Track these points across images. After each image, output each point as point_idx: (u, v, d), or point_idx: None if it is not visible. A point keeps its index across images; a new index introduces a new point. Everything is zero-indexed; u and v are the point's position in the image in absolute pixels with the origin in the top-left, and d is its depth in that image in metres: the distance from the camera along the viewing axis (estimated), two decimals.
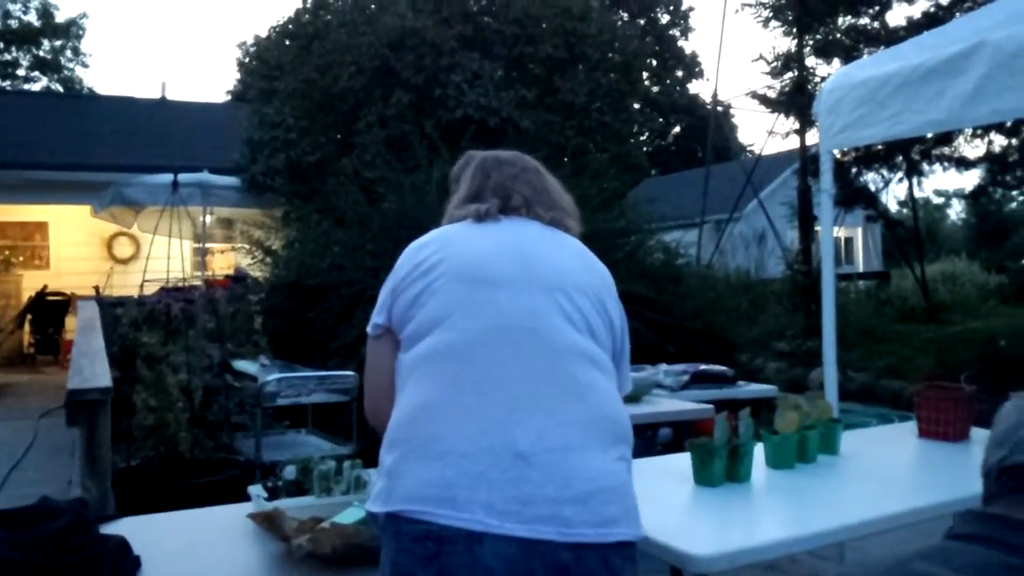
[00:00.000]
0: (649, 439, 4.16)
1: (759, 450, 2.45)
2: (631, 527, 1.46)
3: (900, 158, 11.27)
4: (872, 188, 12.62)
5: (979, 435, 2.88)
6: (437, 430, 1.44)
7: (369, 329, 1.69)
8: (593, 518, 1.39)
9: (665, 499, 2.20)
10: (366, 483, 2.01)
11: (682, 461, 2.37)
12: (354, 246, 6.13)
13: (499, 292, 1.54)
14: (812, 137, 11.33)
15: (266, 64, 10.32)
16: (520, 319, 1.52)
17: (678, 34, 29.82)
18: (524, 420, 1.43)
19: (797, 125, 11.98)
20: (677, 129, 30.63)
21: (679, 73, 29.93)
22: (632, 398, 3.69)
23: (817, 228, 11.47)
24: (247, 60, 10.74)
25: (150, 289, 7.72)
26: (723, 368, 4.32)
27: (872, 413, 6.44)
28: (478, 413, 1.44)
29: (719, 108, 19.13)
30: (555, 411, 1.45)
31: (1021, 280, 16.39)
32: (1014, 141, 10.51)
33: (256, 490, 2.11)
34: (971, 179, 32.35)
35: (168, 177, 8.61)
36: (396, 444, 1.49)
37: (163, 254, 8.73)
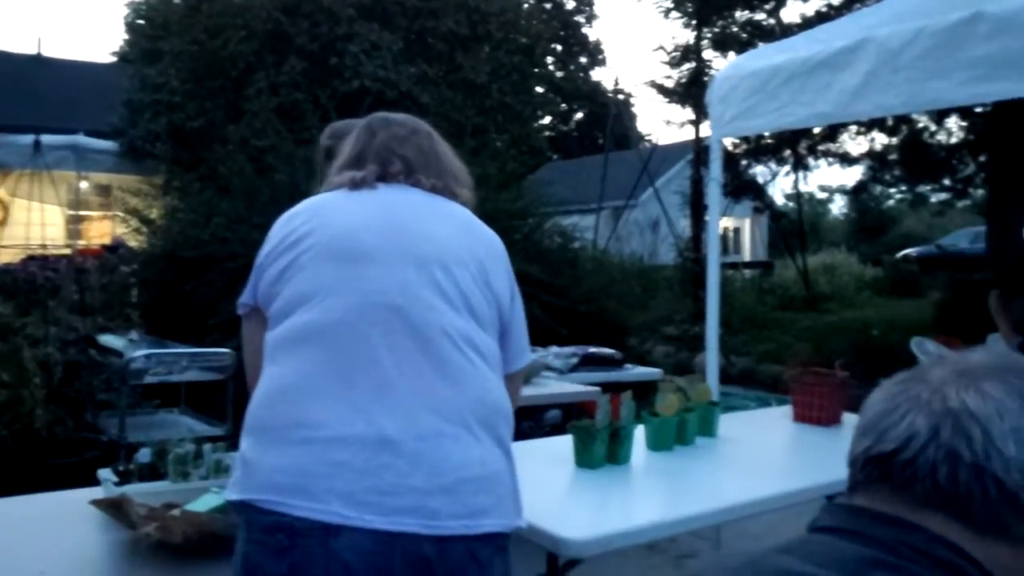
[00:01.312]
0: (537, 421, 4.15)
1: (640, 432, 2.46)
2: (503, 517, 1.39)
3: (788, 152, 11.70)
4: (760, 180, 13.09)
5: (851, 420, 2.98)
6: (297, 415, 1.33)
7: (238, 309, 1.57)
8: (461, 509, 1.32)
9: (545, 482, 2.17)
10: (227, 467, 1.88)
11: (566, 443, 2.34)
12: (239, 218, 5.86)
13: (368, 267, 1.43)
14: (707, 129, 11.60)
15: (151, 23, 9.75)
16: (390, 296, 1.41)
17: (583, 20, 30.06)
18: (393, 405, 1.33)
19: (693, 116, 12.28)
20: (580, 115, 30.95)
21: (582, 59, 30.21)
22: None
23: (707, 217, 11.77)
24: (134, 19, 10.11)
25: (13, 257, 7.18)
26: (612, 351, 4.35)
27: (751, 396, 6.68)
28: (342, 398, 1.34)
29: (620, 96, 19.41)
30: (427, 395, 1.36)
31: (895, 273, 17.41)
32: (894, 140, 11.07)
33: (106, 474, 1.95)
34: (853, 175, 34.00)
35: (31, 138, 8.01)
36: (253, 429, 1.38)
37: (36, 220, 8.14)
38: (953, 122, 10.70)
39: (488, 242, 1.59)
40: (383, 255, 1.44)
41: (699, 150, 11.69)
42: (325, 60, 8.09)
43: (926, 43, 2.72)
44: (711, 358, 3.49)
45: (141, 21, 10.15)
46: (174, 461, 1.87)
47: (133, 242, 7.44)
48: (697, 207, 11.88)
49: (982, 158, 10.52)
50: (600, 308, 6.66)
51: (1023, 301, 3.38)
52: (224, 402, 3.84)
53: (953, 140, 11.06)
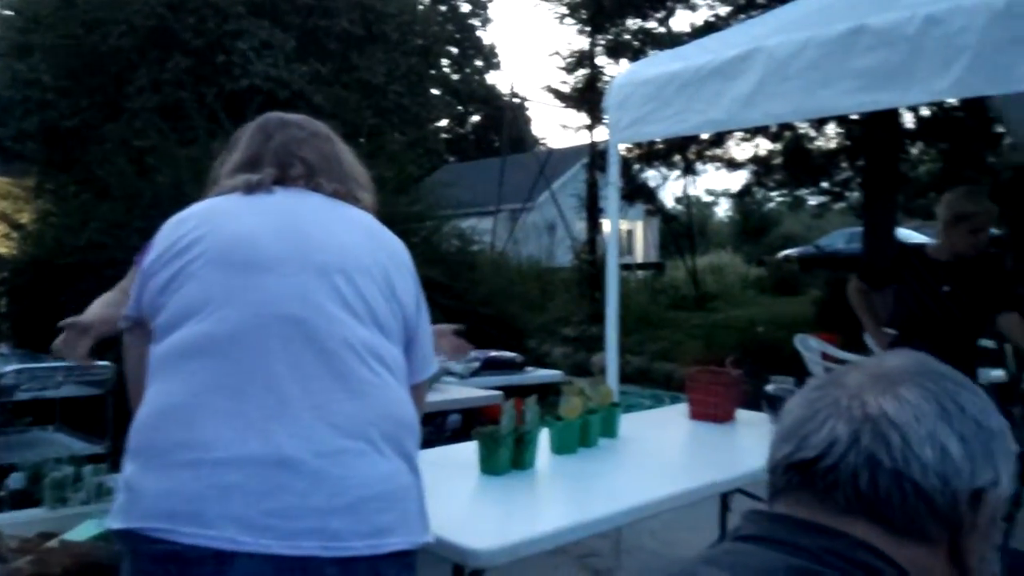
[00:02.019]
0: (438, 426, 4.10)
1: (544, 436, 2.45)
2: (409, 535, 1.34)
3: (678, 157, 12.05)
4: (653, 184, 13.43)
5: (743, 416, 3.08)
6: (185, 436, 1.24)
7: (119, 322, 1.46)
8: (364, 528, 1.26)
9: (450, 491, 2.13)
10: (110, 491, 1.75)
11: (469, 449, 2.31)
12: (118, 222, 5.53)
13: (265, 276, 1.35)
14: (602, 133, 11.83)
15: (20, 15, 9.14)
16: (289, 307, 1.33)
17: (478, 24, 30.13)
18: (291, 423, 1.26)
19: (588, 120, 12.48)
20: (476, 118, 31.01)
21: (478, 63, 30.28)
22: None
23: (603, 220, 12.01)
24: (1, 10, 9.44)
25: None
26: (513, 354, 4.35)
27: (647, 395, 6.82)
28: (236, 416, 1.25)
29: (516, 100, 19.55)
30: (328, 410, 1.29)
31: (777, 273, 18.21)
32: (777, 146, 11.57)
33: None
34: (738, 179, 35.43)
35: None
36: (137, 452, 1.28)
37: None
38: (832, 129, 11.28)
39: (393, 249, 1.53)
40: (281, 263, 1.36)
41: (594, 154, 11.90)
42: (212, 58, 7.79)
43: (813, 53, 2.83)
44: (611, 358, 3.53)
45: (9, 12, 9.51)
46: (50, 485, 1.72)
47: (2, 249, 6.94)
48: (593, 210, 12.10)
49: (858, 163, 11.12)
50: (499, 311, 6.67)
51: (887, 294, 3.52)
52: (103, 418, 3.62)
53: (831, 146, 11.66)
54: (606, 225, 3.71)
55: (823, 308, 11.06)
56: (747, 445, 2.77)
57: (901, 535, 0.66)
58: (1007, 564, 1.48)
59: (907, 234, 12.81)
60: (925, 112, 10.43)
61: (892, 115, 9.61)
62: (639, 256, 24.42)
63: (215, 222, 1.42)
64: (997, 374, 5.20)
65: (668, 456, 2.67)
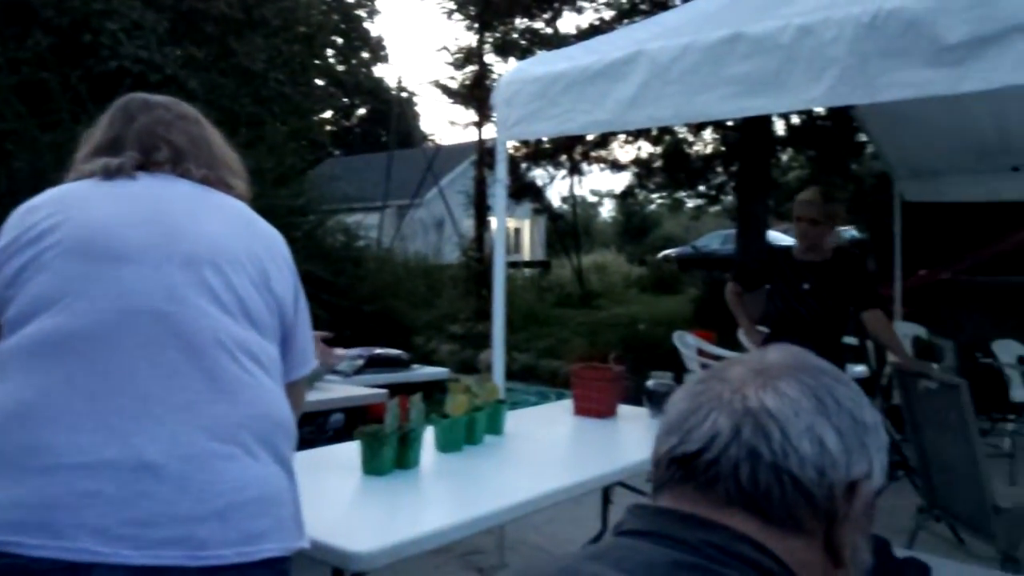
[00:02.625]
0: (319, 426, 3.98)
1: (429, 434, 2.42)
2: (284, 540, 1.27)
3: (565, 157, 12.24)
4: (540, 183, 13.59)
5: (625, 411, 3.14)
6: (36, 440, 1.14)
7: None
8: (234, 536, 1.19)
9: (330, 493, 2.07)
10: None
11: (352, 449, 2.26)
12: None
13: (126, 268, 1.25)
14: (489, 131, 11.87)
15: None
16: (153, 301, 1.24)
17: (365, 15, 29.61)
18: (154, 424, 1.18)
19: (476, 117, 12.49)
20: (362, 111, 30.49)
21: (365, 55, 29.76)
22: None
23: (491, 217, 12.05)
24: None
25: None
26: (398, 352, 4.29)
27: (532, 391, 6.90)
28: (92, 418, 1.16)
29: (404, 94, 19.35)
30: (195, 412, 1.21)
31: (658, 272, 18.80)
32: (658, 149, 11.94)
33: None
34: (621, 181, 36.31)
35: None
36: None
37: None
38: (709, 134, 11.74)
39: (268, 240, 1.45)
40: (144, 254, 1.27)
41: (483, 151, 11.93)
42: (77, 37, 7.31)
43: (693, 58, 2.90)
44: (497, 355, 3.53)
45: None
46: None
47: None
48: (481, 207, 12.13)
49: (732, 168, 11.61)
50: (385, 308, 6.58)
51: (761, 294, 3.71)
52: None
53: (708, 151, 12.13)
54: (494, 223, 3.72)
55: (700, 306, 11.51)
56: (628, 439, 2.83)
57: (780, 527, 0.67)
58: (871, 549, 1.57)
59: (777, 236, 13.48)
60: (795, 120, 11.01)
61: (765, 122, 10.08)
62: (526, 254, 24.67)
63: (71, 209, 1.31)
64: (860, 369, 5.55)
65: (552, 452, 2.69)
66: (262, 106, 8.31)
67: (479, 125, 12.40)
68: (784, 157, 14.74)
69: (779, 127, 11.11)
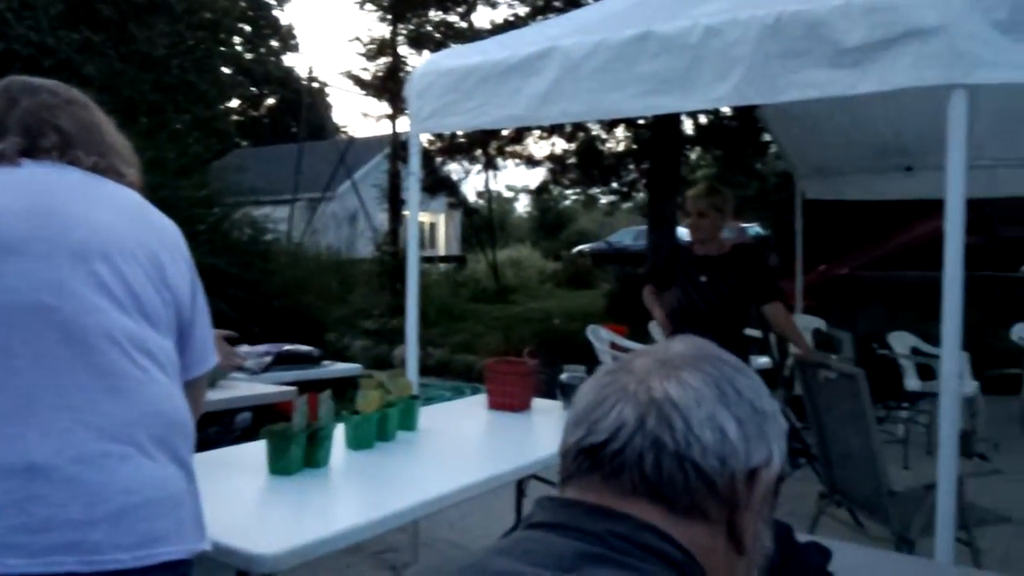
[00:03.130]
0: (226, 426, 3.86)
1: (340, 431, 2.37)
2: (183, 542, 1.22)
3: (480, 152, 12.23)
4: (455, 178, 13.54)
5: (539, 405, 3.16)
6: None
7: None
8: (130, 539, 1.14)
9: (235, 494, 2.01)
10: None
11: (259, 449, 2.19)
12: None
13: (10, 260, 1.18)
14: (404, 124, 11.75)
15: None
16: (38, 295, 1.17)
17: (274, 2, 28.86)
18: (41, 425, 1.12)
19: (390, 110, 12.33)
20: (271, 101, 29.72)
21: (274, 43, 29.01)
22: (207, 383, 3.37)
23: (405, 212, 11.92)
24: None
25: None
26: (309, 348, 4.19)
27: (448, 387, 6.87)
28: None
29: (315, 85, 18.97)
30: (86, 411, 1.15)
31: (572, 267, 19.03)
32: (572, 146, 12.06)
33: None
34: (536, 176, 36.54)
35: None
36: None
37: None
38: (621, 132, 11.93)
39: (163, 232, 1.38)
40: (28, 245, 1.20)
41: (396, 144, 11.80)
42: None
43: (605, 56, 2.93)
44: (411, 352, 3.49)
45: None
46: None
47: None
48: (395, 201, 12.01)
49: (644, 165, 11.83)
50: (296, 303, 6.43)
51: (676, 292, 3.80)
52: None
53: (620, 148, 12.33)
54: (407, 215, 3.67)
55: (613, 301, 11.71)
56: (542, 432, 2.85)
57: (683, 515, 0.68)
58: (773, 535, 1.61)
59: (686, 232, 13.82)
60: (703, 120, 11.31)
61: (674, 121, 10.31)
62: (442, 249, 24.57)
63: None
64: (763, 361, 5.73)
65: (466, 446, 2.68)
66: (164, 94, 7.99)
67: (393, 118, 12.26)
68: (693, 156, 15.12)
69: (688, 126, 11.39)
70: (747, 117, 9.51)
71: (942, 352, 2.40)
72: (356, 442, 2.39)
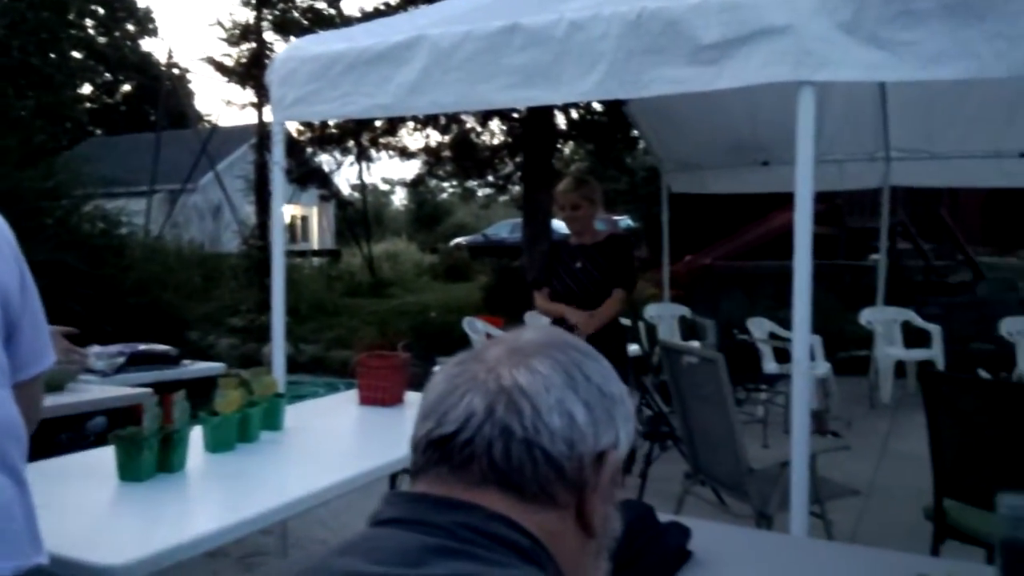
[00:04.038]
0: (77, 431, 3.61)
1: (198, 434, 2.26)
2: (14, 557, 1.13)
3: (352, 142, 11.99)
4: (327, 169, 13.23)
5: (412, 398, 3.12)
6: None
7: None
8: None
9: (82, 503, 1.89)
10: None
11: (111, 455, 2.06)
12: None
13: None
14: (270, 113, 11.37)
15: None
16: None
17: None
18: None
19: (255, 98, 11.90)
20: (127, 87, 28.08)
21: (130, 27, 27.41)
22: (54, 386, 3.15)
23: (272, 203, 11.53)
24: None
25: None
26: (166, 347, 3.97)
27: (321, 383, 6.72)
28: None
29: (175, 70, 18.06)
30: None
31: (449, 260, 19.00)
32: (446, 138, 12.01)
33: None
34: (412, 169, 36.32)
35: None
36: None
37: None
38: (496, 125, 11.98)
39: None
40: None
41: (263, 134, 11.39)
42: None
43: (473, 47, 2.92)
44: (277, 348, 3.37)
45: None
46: None
47: None
48: (262, 193, 11.59)
49: (518, 158, 11.95)
50: (154, 300, 6.11)
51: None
52: None
53: (496, 141, 12.39)
54: (272, 206, 3.54)
55: (490, 293, 11.78)
56: (413, 426, 2.81)
57: (533, 502, 0.68)
58: (634, 515, 1.65)
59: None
60: (575, 114, 11.52)
61: (547, 115, 10.46)
62: (315, 243, 23.99)
63: None
64: (634, 348, 5.91)
65: (335, 444, 2.62)
66: (3, 78, 7.38)
67: (258, 106, 11.82)
68: (567, 150, 15.40)
69: (561, 120, 11.58)
70: (616, 112, 9.75)
71: (793, 336, 2.53)
72: (215, 445, 2.28)
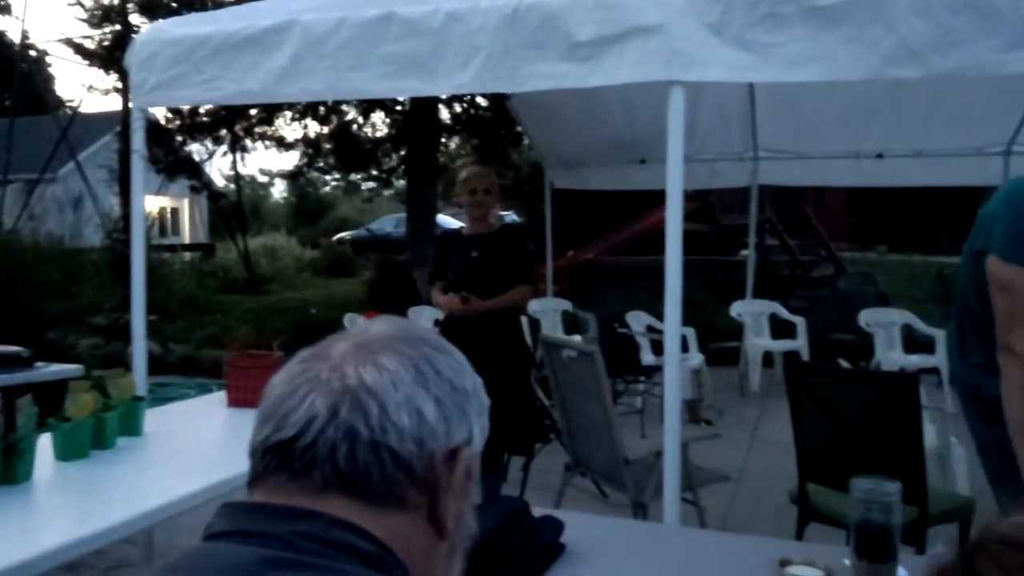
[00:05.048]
0: None
1: (48, 442, 2.11)
2: None
3: (225, 131, 11.52)
4: (197, 159, 12.67)
5: None
6: None
7: None
8: None
9: None
10: None
11: None
12: None
13: None
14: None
15: None
16: None
17: None
18: None
19: (120, 83, 11.25)
20: None
21: None
22: None
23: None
24: None
25: None
26: (17, 348, 3.68)
27: (192, 385, 6.43)
28: None
29: (31, 52, 16.86)
30: None
31: (332, 255, 18.60)
32: (326, 129, 11.72)
33: None
34: (292, 160, 35.37)
35: None
36: None
37: None
38: (378, 117, 11.80)
39: None
40: None
41: (127, 121, 10.76)
42: None
43: (347, 34, 2.84)
44: (138, 348, 3.19)
45: None
46: None
47: None
48: (127, 184, 10.94)
49: (403, 152, 11.81)
50: (7, 298, 5.68)
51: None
52: None
53: (379, 134, 12.21)
54: (132, 197, 3.31)
55: (373, 288, 11.60)
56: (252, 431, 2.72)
57: (381, 506, 0.64)
58: (508, 511, 1.64)
59: (445, 220, 14.01)
60: (459, 109, 11.50)
61: (431, 109, 10.39)
62: (186, 237, 22.96)
63: None
64: None
65: (200, 448, 2.49)
66: None
67: (123, 92, 11.17)
68: (453, 145, 15.36)
69: (445, 114, 11.52)
70: (501, 107, 9.79)
71: (665, 328, 2.59)
72: (66, 452, 2.13)
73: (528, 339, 6.08)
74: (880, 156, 6.14)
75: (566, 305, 7.26)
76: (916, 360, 6.14)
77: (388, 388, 0.66)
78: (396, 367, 0.67)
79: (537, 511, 1.70)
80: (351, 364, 0.67)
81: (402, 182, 12.94)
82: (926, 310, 7.07)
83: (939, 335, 6.15)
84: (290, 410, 0.65)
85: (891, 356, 6.32)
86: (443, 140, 13.31)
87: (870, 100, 5.41)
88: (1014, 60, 2.29)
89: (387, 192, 17.55)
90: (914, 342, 6.61)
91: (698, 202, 12.28)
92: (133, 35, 11.15)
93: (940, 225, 15.01)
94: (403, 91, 2.85)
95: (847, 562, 1.47)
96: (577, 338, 5.87)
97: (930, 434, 3.11)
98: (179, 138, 11.34)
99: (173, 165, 11.19)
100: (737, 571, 1.58)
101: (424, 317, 5.93)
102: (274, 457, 0.65)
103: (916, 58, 2.35)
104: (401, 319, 0.75)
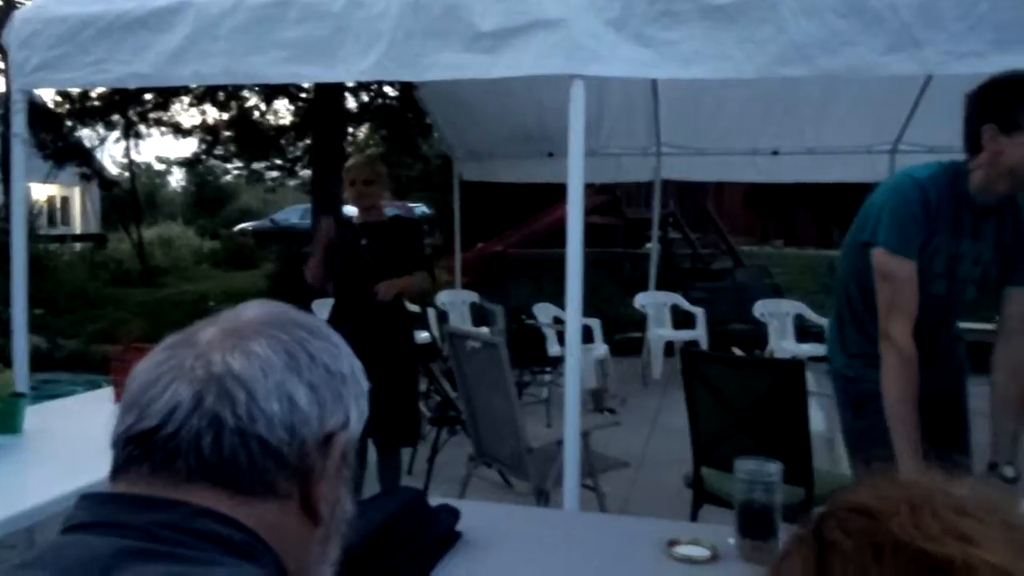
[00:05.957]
0: None
1: None
2: None
3: (118, 116, 11.02)
4: (88, 145, 12.08)
5: None
6: None
7: None
8: None
9: None
10: None
11: None
12: None
13: None
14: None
15: None
16: None
17: None
18: None
19: (1, 64, 10.58)
20: None
21: None
22: None
23: (28, 184, 10.35)
24: None
25: None
26: None
27: (81, 381, 6.13)
28: None
29: None
30: None
31: (232, 246, 18.05)
32: (225, 116, 11.34)
33: None
34: (190, 147, 34.09)
35: None
36: None
37: None
38: (282, 104, 11.50)
39: None
40: None
41: (8, 103, 10.17)
42: None
43: (244, 17, 2.75)
44: (19, 342, 3.02)
45: None
46: None
47: None
48: (8, 170, 10.35)
49: (308, 141, 11.56)
50: None
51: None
52: None
53: (282, 121, 11.90)
54: (13, 184, 3.09)
55: (276, 281, 11.33)
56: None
57: (249, 494, 0.63)
58: (404, 501, 1.64)
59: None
60: (365, 97, 11.32)
61: (337, 96, 10.19)
62: (77, 227, 21.86)
63: None
64: (424, 336, 5.90)
65: (83, 446, 2.37)
66: None
67: (6, 72, 10.53)
68: (360, 135, 15.12)
69: (352, 103, 11.33)
70: (409, 97, 9.70)
71: (567, 319, 2.62)
72: None
73: (436, 331, 6.08)
74: (776, 153, 6.37)
75: (474, 297, 7.27)
76: (808, 349, 6.41)
77: (257, 375, 0.64)
78: (267, 353, 0.66)
79: (436, 501, 1.70)
80: (218, 351, 0.65)
81: (307, 172, 12.66)
82: (818, 301, 7.39)
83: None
84: (152, 399, 0.63)
85: (784, 345, 6.59)
86: (351, 129, 13.08)
87: (766, 99, 5.61)
88: (894, 62, 2.41)
89: (292, 182, 17.14)
90: (806, 332, 6.91)
91: (606, 196, 12.49)
92: (17, 7, 10.53)
93: (832, 220, 15.74)
94: (302, 77, 2.79)
95: (731, 541, 1.53)
96: (485, 330, 5.89)
97: (819, 419, 3.26)
98: (68, 123, 10.77)
99: (62, 151, 10.63)
100: (628, 553, 1.62)
101: (327, 310, 5.80)
102: (136, 447, 0.63)
103: (804, 58, 2.45)
104: (277, 303, 0.73)
